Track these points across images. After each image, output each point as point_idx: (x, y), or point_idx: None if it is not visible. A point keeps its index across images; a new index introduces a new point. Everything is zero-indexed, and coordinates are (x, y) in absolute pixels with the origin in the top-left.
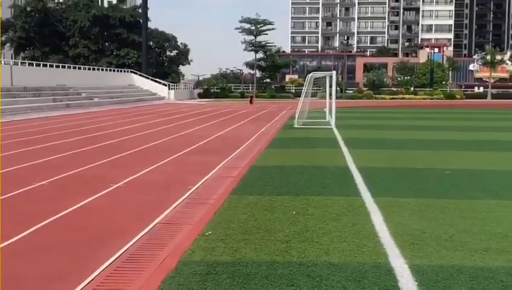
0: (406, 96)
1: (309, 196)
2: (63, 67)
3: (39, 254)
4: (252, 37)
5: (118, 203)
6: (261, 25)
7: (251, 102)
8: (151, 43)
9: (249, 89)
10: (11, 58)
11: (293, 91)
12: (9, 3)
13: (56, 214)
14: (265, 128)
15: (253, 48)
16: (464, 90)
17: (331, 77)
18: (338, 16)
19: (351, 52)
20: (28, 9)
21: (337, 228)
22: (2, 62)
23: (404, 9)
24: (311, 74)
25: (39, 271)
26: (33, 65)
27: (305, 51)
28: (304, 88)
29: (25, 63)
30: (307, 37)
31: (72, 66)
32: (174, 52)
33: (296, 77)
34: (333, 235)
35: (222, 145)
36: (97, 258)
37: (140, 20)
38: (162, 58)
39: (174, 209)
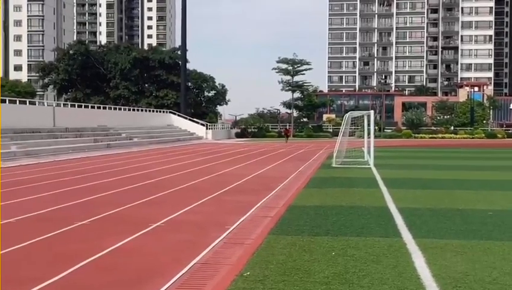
0: (446, 135)
1: (348, 236)
2: (104, 108)
3: None
4: (289, 77)
5: (157, 242)
6: (298, 65)
7: (286, 135)
8: (189, 84)
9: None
10: (54, 100)
11: (331, 130)
12: (53, 47)
13: (96, 253)
14: (303, 167)
15: (290, 87)
16: (505, 129)
17: (369, 116)
18: (375, 55)
19: (389, 91)
20: (71, 52)
21: (378, 269)
22: (45, 103)
23: (443, 48)
24: (348, 113)
25: None
26: (75, 106)
27: (342, 90)
28: (341, 127)
29: (67, 104)
30: (344, 77)
31: (112, 107)
32: (212, 93)
33: (333, 116)
34: (374, 277)
35: (259, 185)
36: None
37: (179, 62)
38: (200, 99)
39: (212, 249)
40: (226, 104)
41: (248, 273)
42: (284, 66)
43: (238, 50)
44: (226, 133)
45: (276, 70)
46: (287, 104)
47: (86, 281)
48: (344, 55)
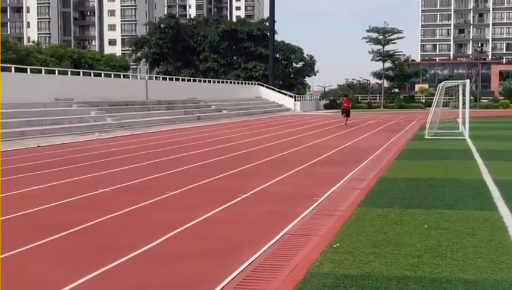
0: None
1: (441, 209)
2: (194, 81)
3: (170, 263)
4: (379, 47)
5: (246, 213)
6: (389, 33)
7: (345, 111)
8: (277, 56)
9: (376, 99)
10: (146, 73)
11: (423, 101)
12: (145, 21)
13: (187, 223)
14: (394, 139)
15: (380, 57)
16: None
17: (464, 85)
18: (471, 22)
19: (485, 59)
20: (162, 26)
21: (472, 243)
22: (138, 77)
23: None
24: (442, 82)
25: (170, 279)
26: (166, 79)
27: (435, 59)
28: (435, 98)
29: (159, 77)
30: (437, 45)
31: (202, 79)
32: (300, 64)
33: (426, 86)
34: (468, 251)
35: (349, 157)
36: (226, 267)
37: (268, 33)
38: (288, 70)
39: (301, 220)
40: (315, 75)
41: (337, 244)
42: (374, 35)
43: (327, 20)
44: (314, 104)
45: (367, 40)
46: (378, 75)
47: (178, 250)
48: (438, 22)
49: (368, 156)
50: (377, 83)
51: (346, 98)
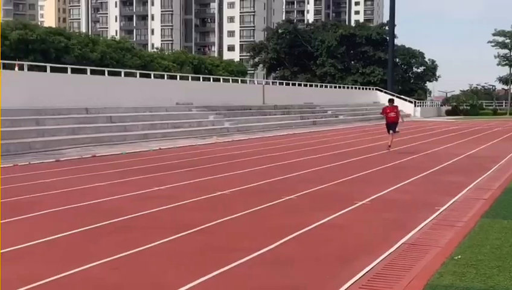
0: None
1: None
2: (311, 86)
3: (285, 266)
4: (506, 51)
5: (363, 220)
6: None
7: (390, 121)
8: (397, 60)
9: (502, 105)
10: (263, 78)
11: None
12: (263, 27)
13: (303, 228)
14: None
15: (507, 62)
16: None
17: None
18: None
19: None
20: (280, 31)
21: None
22: (255, 82)
23: None
24: None
25: (284, 283)
26: (283, 84)
27: None
28: None
29: (276, 82)
30: None
31: (318, 84)
32: (421, 69)
33: None
34: None
35: (472, 165)
36: (342, 275)
37: (387, 38)
38: (408, 75)
39: (420, 230)
40: (436, 80)
41: (459, 256)
42: (500, 38)
43: (449, 24)
44: (435, 110)
45: (492, 44)
46: (504, 80)
47: (293, 255)
48: None
49: (493, 165)
50: (503, 89)
51: (391, 105)
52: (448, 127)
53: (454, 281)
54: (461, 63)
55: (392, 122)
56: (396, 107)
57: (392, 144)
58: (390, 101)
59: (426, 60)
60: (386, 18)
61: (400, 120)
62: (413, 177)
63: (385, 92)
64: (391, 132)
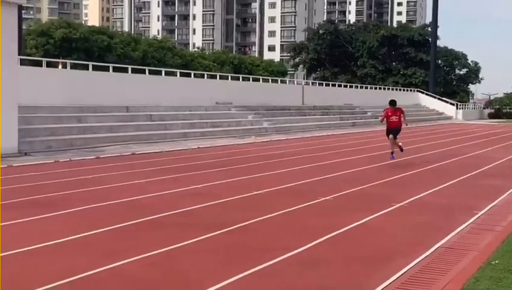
0: None
1: None
2: (351, 87)
3: (320, 266)
4: None
5: (399, 222)
6: None
7: (392, 127)
8: (439, 62)
9: None
10: (303, 79)
11: None
12: (304, 27)
13: (339, 229)
14: None
15: None
16: None
17: None
18: None
19: None
20: (321, 32)
21: None
22: (295, 82)
23: None
24: None
25: (317, 283)
26: (322, 85)
27: None
28: None
29: (315, 82)
30: None
31: (359, 85)
32: (464, 70)
33: None
34: None
35: None
36: (376, 276)
37: (429, 39)
38: (451, 77)
39: (457, 233)
40: (479, 82)
41: (497, 261)
42: None
43: (493, 25)
44: (478, 113)
45: None
46: None
47: (328, 255)
48: None
49: None
50: None
51: (393, 107)
52: (490, 130)
53: (490, 286)
54: (506, 65)
55: (393, 128)
56: (399, 110)
57: (399, 148)
58: (392, 102)
59: (469, 62)
60: (428, 19)
61: (404, 125)
62: (452, 180)
63: (426, 94)
64: (391, 136)
